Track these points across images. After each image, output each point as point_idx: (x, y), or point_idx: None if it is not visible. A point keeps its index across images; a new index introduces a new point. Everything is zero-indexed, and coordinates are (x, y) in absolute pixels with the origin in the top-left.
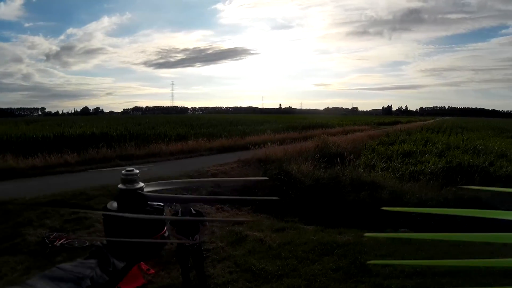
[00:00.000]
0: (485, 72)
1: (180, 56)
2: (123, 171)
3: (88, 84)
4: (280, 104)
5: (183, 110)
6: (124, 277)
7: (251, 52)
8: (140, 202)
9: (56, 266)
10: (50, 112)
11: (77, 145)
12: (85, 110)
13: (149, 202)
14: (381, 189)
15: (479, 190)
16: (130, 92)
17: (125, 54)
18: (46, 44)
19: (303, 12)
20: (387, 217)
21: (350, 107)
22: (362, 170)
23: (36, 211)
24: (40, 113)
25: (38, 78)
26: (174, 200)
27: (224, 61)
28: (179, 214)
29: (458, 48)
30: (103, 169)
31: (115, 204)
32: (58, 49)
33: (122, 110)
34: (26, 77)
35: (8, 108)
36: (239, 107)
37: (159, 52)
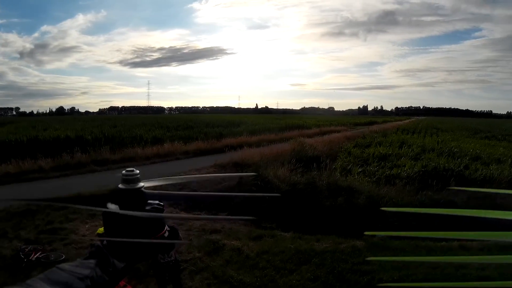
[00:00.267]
0: (458, 73)
1: (156, 55)
2: (123, 171)
3: (63, 83)
4: (256, 104)
5: (160, 110)
6: (124, 277)
7: (228, 51)
8: (140, 201)
9: (55, 266)
10: (25, 112)
11: (51, 149)
12: (61, 110)
13: (149, 201)
14: (358, 194)
15: (456, 194)
16: (105, 92)
17: (101, 53)
18: (19, 41)
19: (279, 12)
20: (364, 223)
21: (326, 107)
22: (338, 175)
23: (11, 221)
24: (14, 113)
25: (11, 76)
26: (174, 197)
27: (200, 60)
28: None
29: (432, 50)
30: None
31: (113, 206)
32: (32, 47)
33: (98, 110)
34: None
35: None
36: (216, 107)
37: (135, 51)
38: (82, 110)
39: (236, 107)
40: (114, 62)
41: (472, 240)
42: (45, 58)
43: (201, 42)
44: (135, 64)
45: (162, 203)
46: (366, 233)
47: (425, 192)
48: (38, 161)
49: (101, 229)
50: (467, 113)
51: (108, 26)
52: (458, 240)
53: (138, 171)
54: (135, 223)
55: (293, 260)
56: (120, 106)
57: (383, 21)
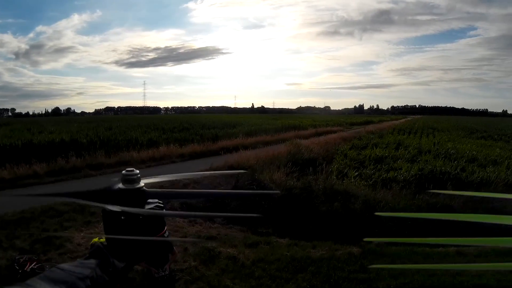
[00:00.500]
0: (454, 71)
1: (151, 55)
2: (123, 171)
3: (58, 84)
4: (252, 104)
5: (156, 110)
6: (124, 277)
7: (223, 51)
8: (140, 201)
9: (55, 266)
10: (21, 113)
11: (46, 153)
12: (56, 110)
13: (149, 200)
14: (355, 198)
15: (452, 198)
16: (101, 92)
17: (96, 53)
18: (15, 42)
19: (274, 11)
20: (361, 228)
21: (322, 106)
22: (335, 178)
23: (6, 229)
24: (10, 114)
25: (7, 77)
26: (174, 195)
27: (196, 60)
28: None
29: (428, 49)
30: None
31: (113, 207)
32: (28, 47)
33: (94, 111)
34: None
35: None
36: (212, 106)
37: (131, 51)
38: (78, 110)
39: (232, 107)
40: (110, 63)
41: (469, 246)
42: (40, 58)
43: (197, 42)
44: (131, 64)
45: (162, 203)
46: (365, 239)
47: (422, 196)
48: (32, 166)
49: (95, 240)
50: (463, 112)
51: (103, 26)
52: (455, 245)
53: (138, 171)
54: (135, 223)
55: (289, 269)
56: (116, 107)
57: (379, 20)
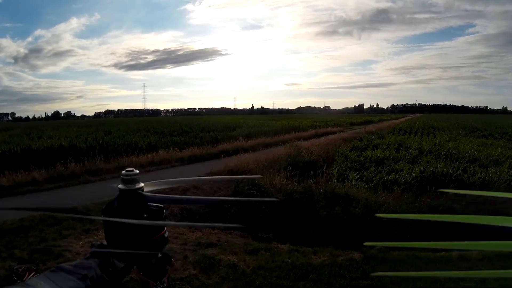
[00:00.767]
0: (453, 69)
1: (150, 57)
2: (123, 172)
3: (57, 87)
4: (252, 105)
5: (156, 112)
6: (124, 277)
7: (222, 52)
8: (139, 202)
9: (55, 266)
10: (21, 117)
11: (44, 160)
12: (56, 114)
13: (148, 203)
14: (356, 202)
15: (454, 200)
16: (101, 95)
17: (95, 56)
18: (13, 46)
19: (273, 12)
20: (362, 232)
21: (322, 106)
22: (335, 181)
23: (4, 239)
24: (10, 118)
25: (6, 81)
26: (174, 201)
27: (195, 62)
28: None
29: (427, 47)
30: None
31: (115, 204)
32: (26, 51)
33: (94, 114)
34: None
35: None
36: (212, 108)
37: (129, 53)
38: (78, 114)
39: (232, 108)
40: (109, 65)
41: (472, 250)
42: (39, 62)
43: (196, 44)
44: (130, 67)
45: (162, 205)
46: (365, 243)
47: (424, 198)
48: (31, 173)
49: None
50: (463, 110)
51: (102, 29)
52: (458, 250)
53: (137, 171)
54: (135, 223)
55: (290, 276)
56: (116, 110)
57: (377, 19)
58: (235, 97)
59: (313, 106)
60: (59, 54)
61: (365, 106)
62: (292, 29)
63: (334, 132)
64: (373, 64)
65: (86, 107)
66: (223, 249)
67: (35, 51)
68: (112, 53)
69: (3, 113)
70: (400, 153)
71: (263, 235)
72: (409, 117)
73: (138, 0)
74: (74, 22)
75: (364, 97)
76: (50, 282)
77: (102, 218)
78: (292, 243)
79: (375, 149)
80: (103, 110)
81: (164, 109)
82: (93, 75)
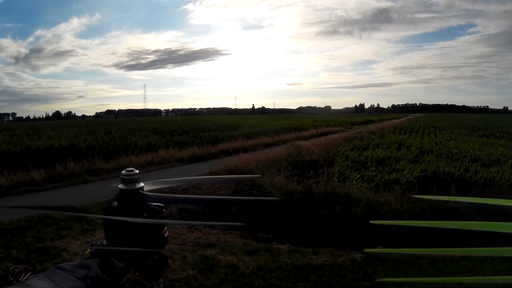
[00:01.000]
0: (453, 69)
1: (151, 57)
2: (123, 171)
3: (58, 88)
4: (253, 105)
5: (156, 112)
6: (124, 277)
7: (223, 52)
8: (140, 202)
9: (55, 266)
10: (21, 117)
11: (44, 160)
12: (57, 114)
13: (148, 203)
14: (357, 202)
15: (456, 200)
16: (102, 95)
17: (96, 56)
18: (14, 46)
19: (273, 12)
20: (362, 233)
21: (323, 105)
22: (336, 181)
23: (1, 239)
24: (10, 118)
25: (7, 82)
26: (174, 200)
27: (195, 62)
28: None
29: (427, 47)
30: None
31: (115, 203)
32: (27, 51)
33: (94, 114)
34: None
35: None
36: (213, 108)
37: (130, 53)
38: (78, 114)
39: (232, 108)
40: (110, 65)
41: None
42: (40, 62)
43: (196, 44)
44: (131, 67)
45: (162, 205)
46: (365, 250)
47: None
48: (30, 173)
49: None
50: (464, 109)
51: (102, 29)
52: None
53: (137, 171)
54: (135, 223)
55: (289, 277)
56: (116, 110)
57: (378, 19)
58: (235, 97)
59: (313, 106)
60: (60, 54)
61: (366, 106)
62: (293, 29)
63: (335, 132)
64: (373, 63)
65: (86, 107)
66: (222, 249)
67: (35, 51)
68: (112, 53)
69: (4, 113)
70: (401, 152)
71: (263, 235)
72: (410, 117)
73: (138, 0)
74: (75, 22)
75: (364, 97)
76: (50, 282)
77: (101, 216)
78: (292, 243)
79: (376, 148)
80: (104, 110)
81: (165, 109)
82: (93, 75)
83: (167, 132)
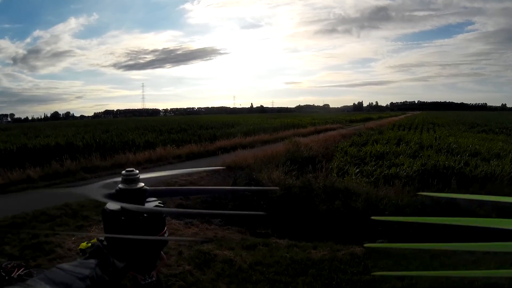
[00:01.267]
0: (452, 67)
1: (149, 57)
2: (123, 171)
3: (57, 88)
4: (251, 104)
5: (155, 112)
6: (124, 277)
7: (221, 52)
8: (140, 201)
9: (55, 266)
10: (20, 118)
11: (40, 158)
12: (55, 115)
13: (148, 200)
14: (356, 196)
15: (457, 192)
16: (100, 95)
17: (94, 56)
18: (12, 47)
19: (271, 11)
20: (362, 227)
21: (321, 104)
22: (335, 176)
23: None
24: (9, 119)
25: (5, 83)
26: (175, 193)
27: (194, 61)
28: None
29: (426, 44)
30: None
31: (114, 205)
32: (25, 52)
33: (93, 114)
34: None
35: None
36: (211, 107)
37: (128, 53)
38: (77, 114)
39: (231, 107)
40: (108, 66)
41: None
42: (38, 63)
43: (195, 43)
44: (129, 67)
45: (162, 203)
46: (365, 245)
47: (425, 192)
48: (26, 171)
49: (83, 244)
50: (462, 107)
51: (100, 29)
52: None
53: (137, 171)
54: (136, 223)
55: (288, 272)
56: (115, 110)
57: (376, 17)
58: (234, 96)
59: (312, 104)
60: (58, 55)
61: (364, 104)
62: (291, 28)
63: (333, 129)
64: (372, 62)
65: (85, 108)
66: (219, 244)
67: (34, 52)
68: (111, 53)
69: (2, 114)
70: (400, 147)
71: (261, 231)
72: (408, 114)
73: (136, 0)
74: (73, 23)
75: (363, 95)
76: (50, 282)
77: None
78: (291, 238)
79: (375, 144)
80: (102, 110)
81: (163, 109)
82: (92, 75)
83: (164, 130)
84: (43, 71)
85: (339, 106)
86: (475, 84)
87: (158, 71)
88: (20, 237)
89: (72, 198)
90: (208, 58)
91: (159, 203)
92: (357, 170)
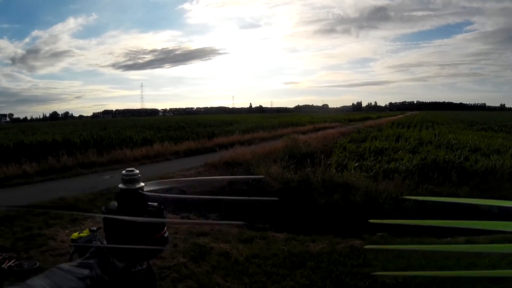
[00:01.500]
0: (451, 67)
1: (148, 57)
2: (123, 171)
3: (56, 88)
4: (250, 104)
5: (154, 112)
6: (124, 277)
7: (220, 52)
8: (140, 202)
9: (55, 266)
10: (18, 118)
11: (37, 153)
12: (54, 115)
13: (149, 203)
14: (355, 190)
15: (458, 186)
16: (99, 95)
17: (93, 56)
18: (11, 47)
19: (270, 11)
20: (362, 221)
21: (320, 104)
22: (334, 170)
23: None
24: (8, 119)
25: (4, 83)
26: (174, 200)
27: (193, 61)
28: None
29: (425, 44)
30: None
31: (115, 204)
32: (24, 52)
33: (92, 114)
34: None
35: None
36: (210, 107)
37: (127, 53)
38: (76, 114)
39: (230, 107)
40: (107, 66)
41: (479, 234)
42: (37, 63)
43: (193, 43)
44: (128, 67)
45: (162, 207)
46: (366, 247)
47: (426, 185)
48: (22, 166)
49: (75, 234)
50: (461, 107)
51: (99, 29)
52: (465, 235)
53: (138, 171)
54: (135, 223)
55: (286, 264)
56: (114, 110)
57: (375, 17)
58: (233, 96)
59: (311, 104)
60: (57, 55)
61: (363, 104)
62: (290, 28)
63: (332, 127)
64: (371, 62)
65: (84, 108)
66: (215, 237)
67: (32, 52)
68: (110, 53)
69: (1, 114)
70: (399, 143)
71: (259, 225)
72: (407, 114)
73: (135, 0)
74: (72, 23)
75: (362, 95)
76: (50, 282)
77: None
78: (289, 232)
79: (374, 140)
80: (101, 110)
81: (162, 109)
82: (91, 75)
83: (162, 128)
84: (42, 71)
85: (338, 106)
86: (474, 84)
87: (157, 71)
88: (13, 230)
89: (68, 192)
90: (207, 58)
91: (158, 206)
92: (356, 165)
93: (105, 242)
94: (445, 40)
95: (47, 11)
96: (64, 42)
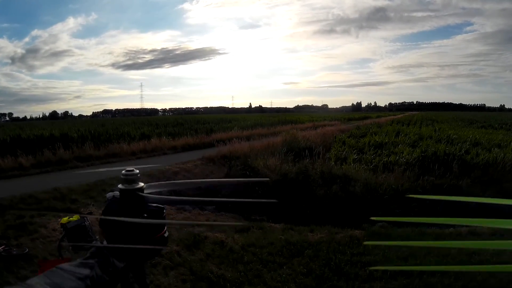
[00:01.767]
0: (451, 67)
1: (148, 57)
2: (123, 171)
3: (55, 88)
4: (250, 104)
5: (153, 111)
6: (124, 277)
7: (220, 52)
8: (139, 201)
9: (55, 266)
10: (18, 117)
11: (33, 147)
12: (54, 114)
13: (148, 204)
14: (354, 181)
15: (459, 178)
16: (98, 95)
17: (92, 56)
18: (10, 47)
19: (270, 11)
20: (361, 212)
21: (320, 104)
22: (333, 163)
23: None
24: (7, 118)
25: (3, 82)
26: (173, 202)
27: (192, 61)
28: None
29: (424, 45)
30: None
31: (115, 194)
32: (24, 51)
33: (91, 114)
34: None
35: None
36: (210, 107)
37: (127, 53)
38: (75, 114)
39: (230, 107)
40: (106, 65)
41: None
42: (36, 63)
43: (193, 43)
44: (128, 67)
45: (162, 205)
46: (365, 243)
47: (426, 177)
48: (18, 159)
49: (64, 219)
50: (461, 107)
51: (99, 29)
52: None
53: (137, 171)
54: (135, 222)
55: (283, 253)
56: (113, 109)
57: (375, 17)
58: (232, 96)
59: (311, 104)
60: (57, 54)
61: (363, 105)
62: (290, 28)
63: (332, 125)
64: (371, 62)
65: (83, 107)
66: (211, 227)
67: (32, 52)
68: (109, 53)
69: (1, 114)
70: (399, 138)
71: (256, 217)
72: (407, 114)
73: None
74: (71, 22)
75: (362, 96)
76: (50, 282)
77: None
78: (287, 223)
79: (373, 135)
80: (101, 110)
81: (162, 109)
82: (90, 75)
83: (161, 124)
84: (42, 71)
85: (338, 107)
86: (474, 85)
87: (156, 71)
88: (5, 218)
89: (62, 183)
90: (207, 58)
91: (157, 206)
92: (356, 157)
93: (105, 242)
94: (444, 41)
95: (46, 11)
96: (64, 41)
